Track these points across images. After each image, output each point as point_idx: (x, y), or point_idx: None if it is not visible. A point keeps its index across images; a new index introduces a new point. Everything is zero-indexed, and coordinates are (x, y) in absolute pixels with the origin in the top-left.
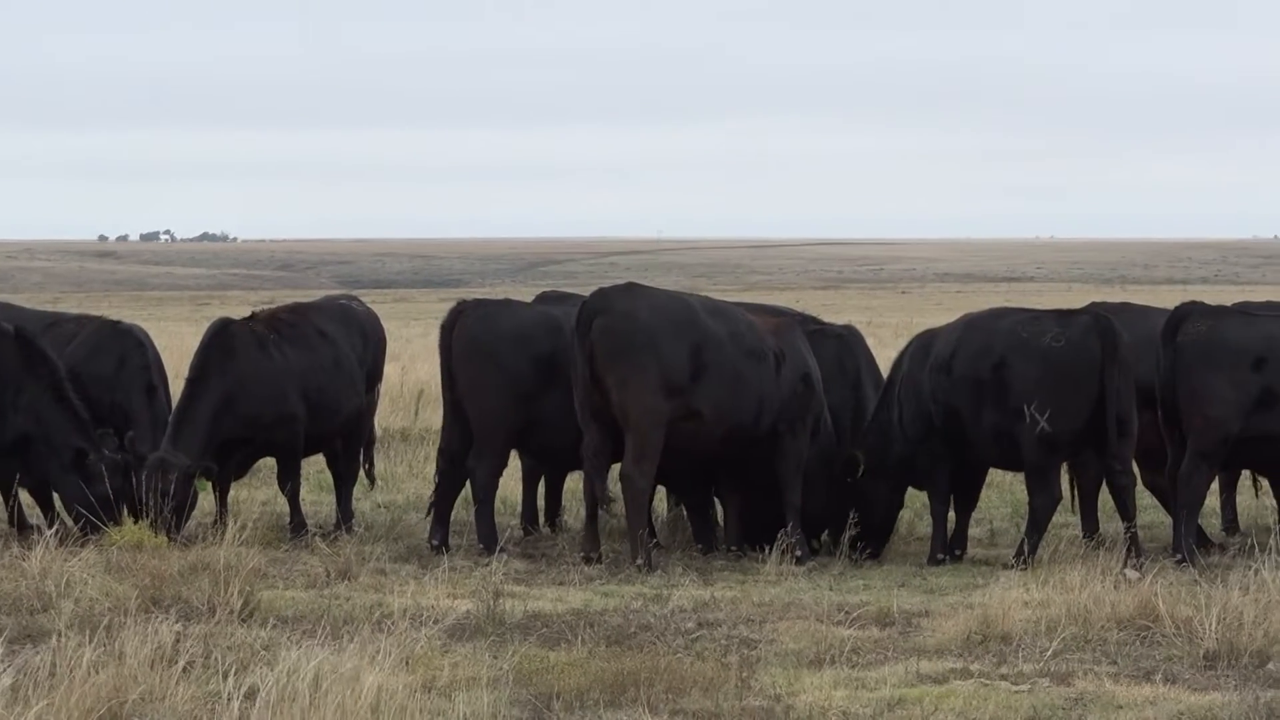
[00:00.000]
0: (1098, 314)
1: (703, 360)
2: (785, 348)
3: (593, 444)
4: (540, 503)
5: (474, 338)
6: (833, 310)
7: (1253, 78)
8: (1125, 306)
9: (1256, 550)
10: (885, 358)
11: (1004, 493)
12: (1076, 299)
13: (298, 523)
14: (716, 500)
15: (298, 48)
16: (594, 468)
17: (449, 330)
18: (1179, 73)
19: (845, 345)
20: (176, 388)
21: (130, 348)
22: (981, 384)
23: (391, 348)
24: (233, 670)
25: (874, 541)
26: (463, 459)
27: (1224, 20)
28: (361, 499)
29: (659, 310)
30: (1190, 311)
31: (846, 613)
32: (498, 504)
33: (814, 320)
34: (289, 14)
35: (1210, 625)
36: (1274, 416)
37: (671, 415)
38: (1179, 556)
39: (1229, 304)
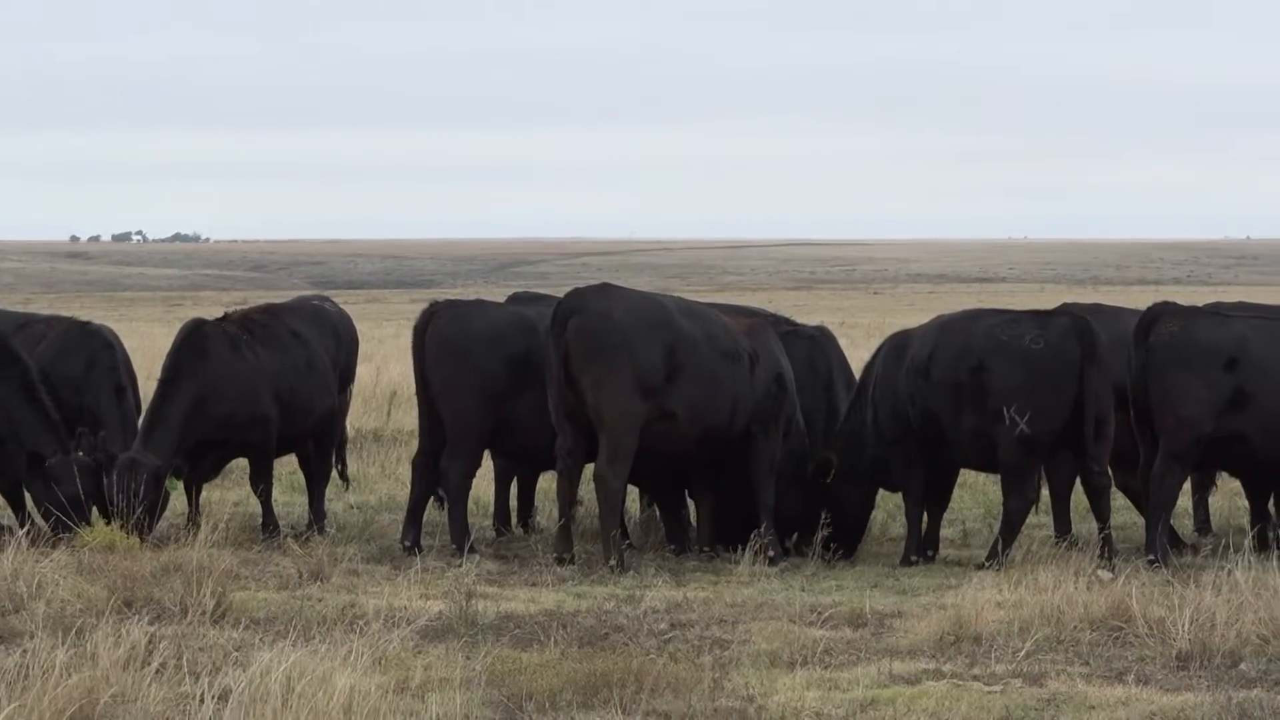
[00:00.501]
0: (1076, 315)
1: (677, 361)
2: (759, 349)
3: (566, 445)
4: (513, 503)
5: (447, 338)
6: (805, 311)
7: (1225, 79)
8: (1097, 308)
9: (1230, 551)
10: (858, 358)
11: (977, 493)
12: (1049, 299)
13: (270, 524)
14: (689, 501)
15: (269, 49)
16: (567, 468)
17: (422, 331)
18: (1152, 74)
19: (818, 346)
20: (149, 389)
21: (99, 349)
22: (960, 386)
23: (364, 348)
24: (205, 671)
25: (846, 542)
26: (438, 458)
27: (1197, 21)
28: (334, 500)
29: (634, 311)
30: (1162, 312)
31: (819, 613)
32: (470, 505)
33: (786, 321)
34: (260, 15)
35: (1183, 626)
36: (1246, 417)
37: (646, 416)
38: (1152, 557)
39: (1201, 305)
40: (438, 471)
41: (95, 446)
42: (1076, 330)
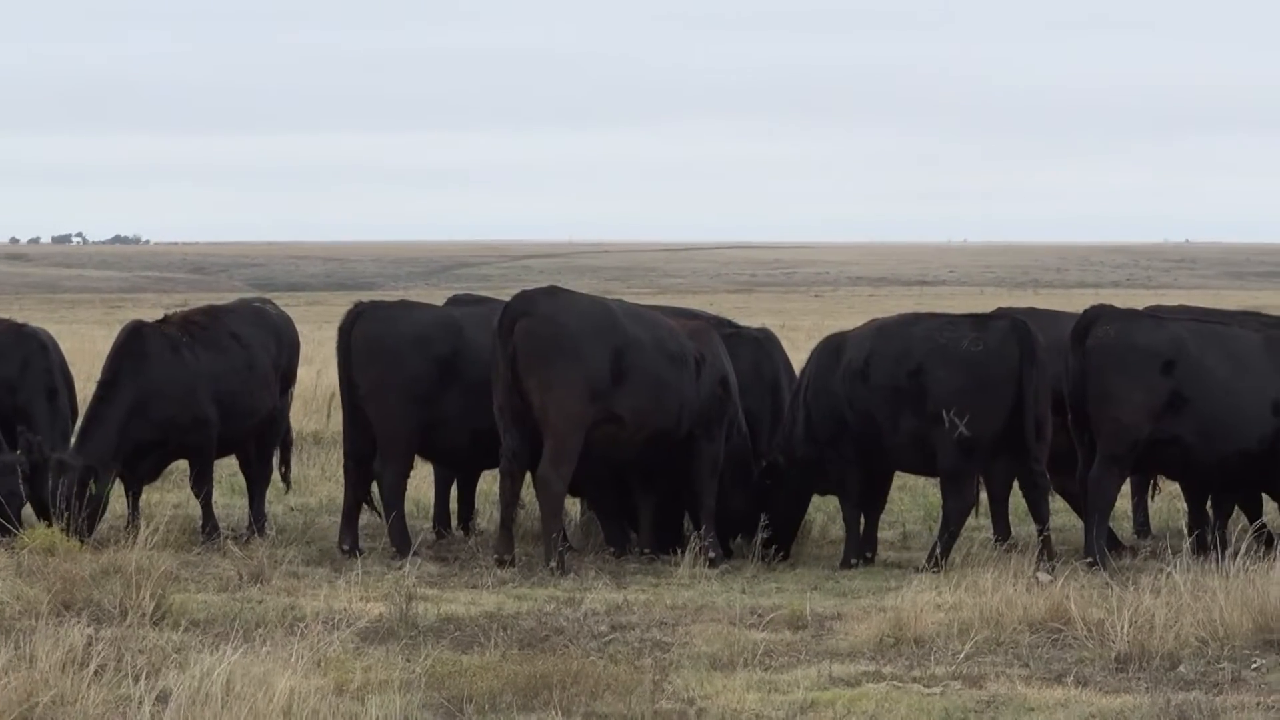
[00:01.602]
0: (1015, 319)
1: (624, 365)
2: (705, 352)
3: (512, 446)
4: (453, 505)
5: (372, 339)
6: (746, 313)
7: (1165, 84)
8: (1032, 311)
9: (1169, 553)
10: (799, 361)
11: (917, 496)
12: (989, 303)
13: (210, 526)
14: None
15: (210, 51)
16: (511, 470)
17: (347, 332)
18: (1093, 78)
19: (762, 348)
20: (89, 391)
21: (34, 351)
22: (899, 390)
23: (305, 351)
24: (144, 673)
25: (781, 543)
26: (367, 461)
27: (1137, 25)
28: (274, 502)
29: (582, 314)
30: (1099, 315)
31: (759, 615)
32: (411, 507)
33: (729, 323)
34: (200, 17)
35: (1122, 628)
36: (1182, 420)
37: (593, 419)
38: (1090, 560)
39: (1142, 308)
40: (369, 474)
41: (32, 447)
42: (1015, 333)
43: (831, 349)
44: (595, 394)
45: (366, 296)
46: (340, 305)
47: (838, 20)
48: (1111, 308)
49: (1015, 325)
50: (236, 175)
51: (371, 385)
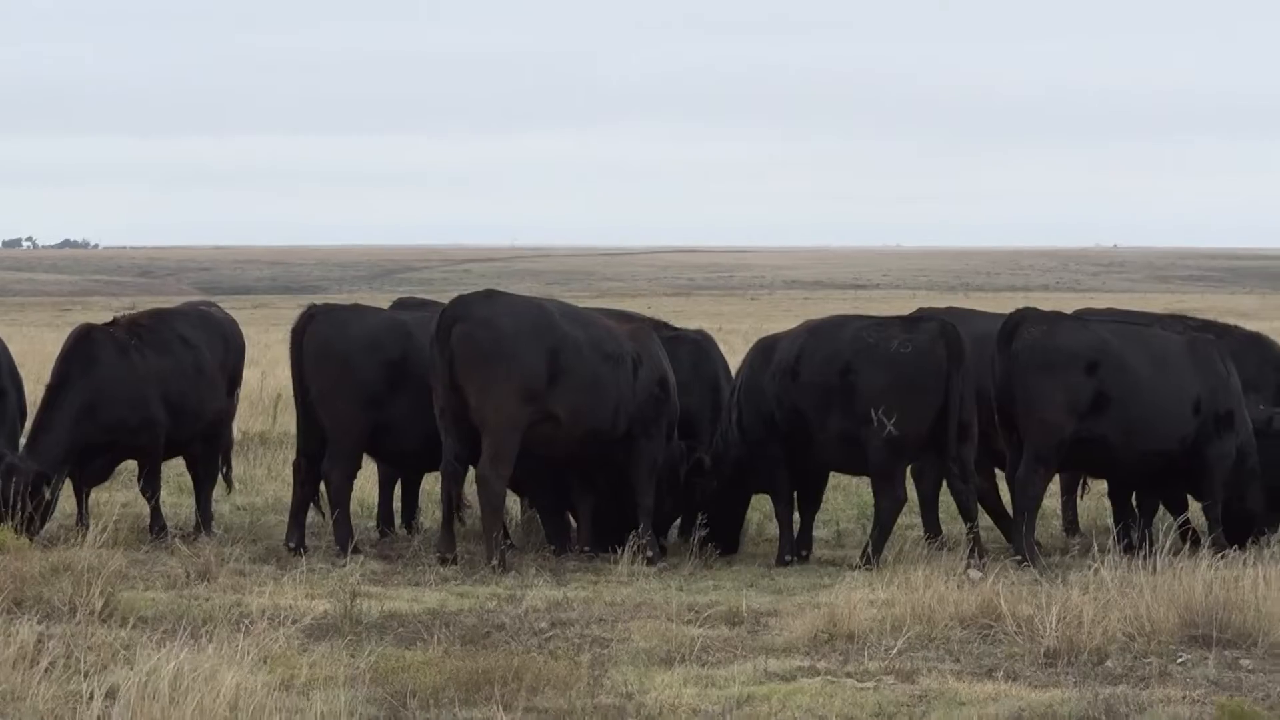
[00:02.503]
0: (943, 320)
1: (560, 365)
2: (642, 352)
3: (451, 448)
4: (397, 504)
5: (325, 342)
6: (683, 316)
7: (1094, 88)
8: (950, 310)
9: (1096, 551)
10: (736, 363)
11: (850, 495)
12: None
13: (158, 525)
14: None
15: (158, 55)
16: (452, 471)
17: (300, 335)
18: (1024, 84)
19: (701, 350)
20: (39, 393)
21: None
22: (829, 390)
23: (251, 353)
24: (94, 670)
25: (724, 542)
26: (319, 460)
27: (1066, 30)
28: (220, 501)
29: (517, 316)
30: (1024, 317)
31: (696, 612)
32: (355, 506)
33: (667, 326)
34: (149, 22)
35: (1050, 624)
36: (1107, 419)
37: (529, 419)
38: (1020, 557)
39: (1070, 310)
40: (318, 474)
41: None
42: (944, 335)
43: (763, 350)
44: (531, 394)
45: (311, 300)
46: (285, 308)
47: (769, 25)
48: (1037, 310)
49: (943, 327)
50: (184, 180)
51: (323, 387)
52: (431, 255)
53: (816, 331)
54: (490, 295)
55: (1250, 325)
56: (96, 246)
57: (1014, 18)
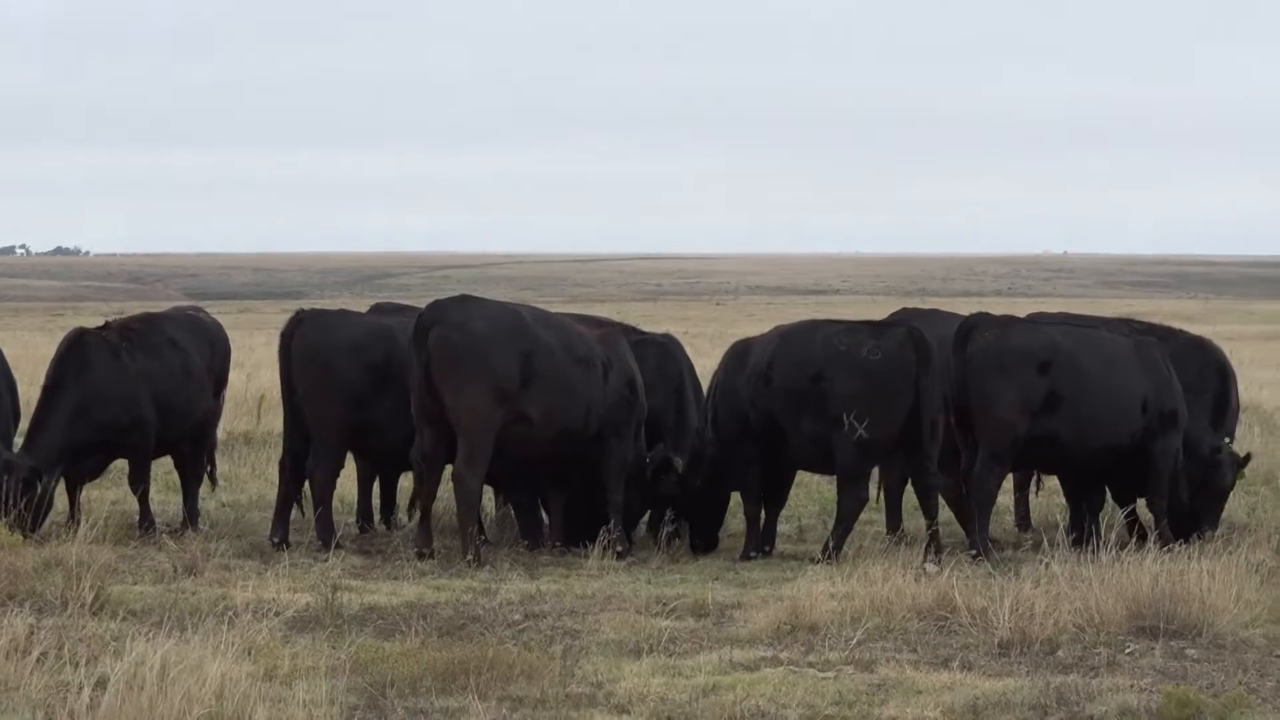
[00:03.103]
0: (911, 326)
1: (532, 367)
2: (612, 356)
3: (426, 447)
4: (375, 501)
5: (312, 345)
6: (651, 321)
7: (1045, 99)
8: (934, 312)
9: (1046, 545)
10: (702, 365)
11: (812, 492)
12: (880, 310)
13: (147, 521)
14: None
15: (143, 68)
16: (427, 470)
17: (288, 338)
18: (976, 94)
19: (667, 353)
20: (32, 394)
21: None
22: (801, 394)
23: (236, 356)
24: (84, 660)
25: (702, 539)
26: (305, 458)
27: (1014, 46)
28: (207, 498)
29: (491, 320)
30: (979, 321)
31: (664, 605)
32: (335, 503)
33: (635, 330)
34: (138, 36)
35: (1004, 615)
36: (1058, 418)
37: (502, 420)
38: (975, 552)
39: (1021, 314)
40: (303, 472)
41: None
42: (912, 340)
43: (738, 353)
44: (504, 395)
45: (295, 305)
46: (269, 313)
47: (736, 41)
48: (990, 315)
49: (911, 333)
50: (172, 189)
51: (309, 388)
52: (410, 262)
53: (788, 337)
54: (465, 300)
55: (1194, 329)
56: (88, 253)
57: (965, 35)
